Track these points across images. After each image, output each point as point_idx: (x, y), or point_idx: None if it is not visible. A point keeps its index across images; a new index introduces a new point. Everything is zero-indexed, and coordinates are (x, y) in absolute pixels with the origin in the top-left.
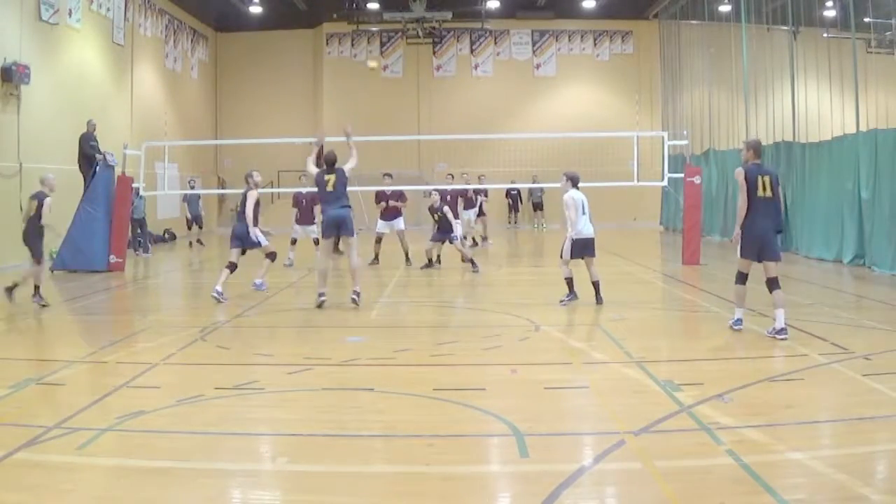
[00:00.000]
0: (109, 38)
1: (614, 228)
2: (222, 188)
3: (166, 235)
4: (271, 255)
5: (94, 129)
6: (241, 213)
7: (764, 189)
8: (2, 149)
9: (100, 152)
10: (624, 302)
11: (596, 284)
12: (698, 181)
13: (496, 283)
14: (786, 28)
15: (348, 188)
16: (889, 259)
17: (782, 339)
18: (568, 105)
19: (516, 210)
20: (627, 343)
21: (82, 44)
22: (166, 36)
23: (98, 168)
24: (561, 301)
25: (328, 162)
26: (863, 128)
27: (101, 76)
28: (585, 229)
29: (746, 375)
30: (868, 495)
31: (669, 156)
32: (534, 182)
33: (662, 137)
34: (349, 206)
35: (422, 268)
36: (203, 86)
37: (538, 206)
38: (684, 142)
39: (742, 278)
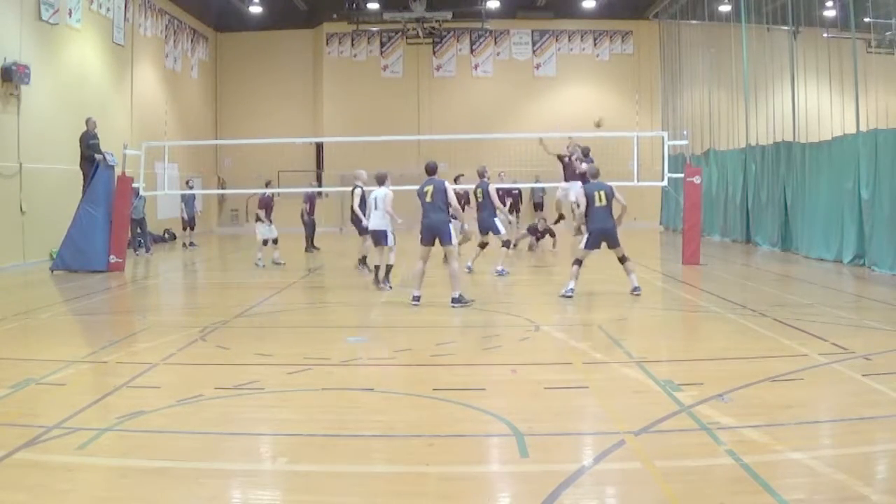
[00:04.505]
0: (109, 38)
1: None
2: (222, 188)
3: (166, 235)
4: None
5: (95, 127)
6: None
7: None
8: (2, 149)
9: (99, 151)
10: (624, 302)
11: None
12: (698, 181)
13: (496, 283)
14: (786, 28)
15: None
16: (889, 259)
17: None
18: (568, 105)
19: (517, 210)
20: (627, 343)
21: (82, 44)
22: (166, 36)
23: (98, 168)
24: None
25: (428, 171)
26: (863, 128)
27: (101, 76)
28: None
29: (746, 375)
30: (868, 495)
31: (669, 156)
32: (536, 182)
33: (662, 137)
34: (444, 216)
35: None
36: (203, 86)
37: (539, 206)
38: (684, 142)
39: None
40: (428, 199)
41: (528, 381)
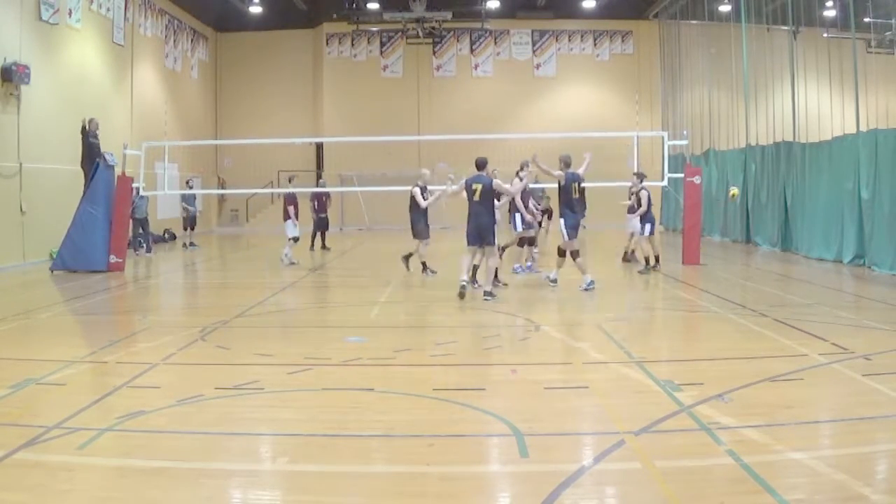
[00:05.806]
0: (109, 38)
1: (614, 228)
2: (222, 188)
3: (166, 235)
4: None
5: (97, 128)
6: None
7: (475, 194)
8: (2, 149)
9: (99, 153)
10: (624, 302)
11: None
12: (698, 181)
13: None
14: (786, 28)
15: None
16: (889, 259)
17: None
18: (568, 105)
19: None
20: (627, 343)
21: (82, 44)
22: (166, 36)
23: (98, 168)
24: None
25: (478, 166)
26: (863, 128)
27: (101, 76)
28: None
29: (746, 375)
30: (868, 495)
31: (669, 156)
32: (536, 182)
33: (662, 137)
34: (491, 218)
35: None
36: (203, 86)
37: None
38: (684, 142)
39: None
40: (476, 196)
41: (528, 381)
